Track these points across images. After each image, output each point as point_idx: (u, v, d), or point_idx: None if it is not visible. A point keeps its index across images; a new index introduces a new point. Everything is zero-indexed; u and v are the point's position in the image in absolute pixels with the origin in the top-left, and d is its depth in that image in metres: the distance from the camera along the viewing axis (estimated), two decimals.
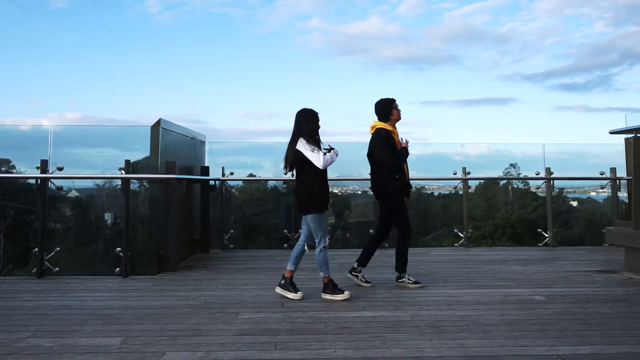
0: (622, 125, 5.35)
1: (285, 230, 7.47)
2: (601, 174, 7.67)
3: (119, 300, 4.22)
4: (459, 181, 7.57)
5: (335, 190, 8.73)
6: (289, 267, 4.23)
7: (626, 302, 4.04)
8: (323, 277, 4.22)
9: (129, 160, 5.37)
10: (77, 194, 7.95)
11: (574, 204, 10.32)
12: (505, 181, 9.74)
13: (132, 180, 5.44)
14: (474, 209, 10.38)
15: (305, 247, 4.26)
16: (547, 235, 7.45)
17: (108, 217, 6.58)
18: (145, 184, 5.82)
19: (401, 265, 4.69)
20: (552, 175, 7.55)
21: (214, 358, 2.81)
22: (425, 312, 3.76)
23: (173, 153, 5.88)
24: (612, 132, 5.32)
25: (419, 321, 3.51)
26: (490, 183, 9.91)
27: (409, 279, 4.65)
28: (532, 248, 7.42)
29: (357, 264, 4.78)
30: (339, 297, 4.10)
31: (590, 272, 5.30)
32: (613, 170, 7.62)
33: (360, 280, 4.70)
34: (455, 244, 7.48)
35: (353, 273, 4.76)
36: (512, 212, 10.26)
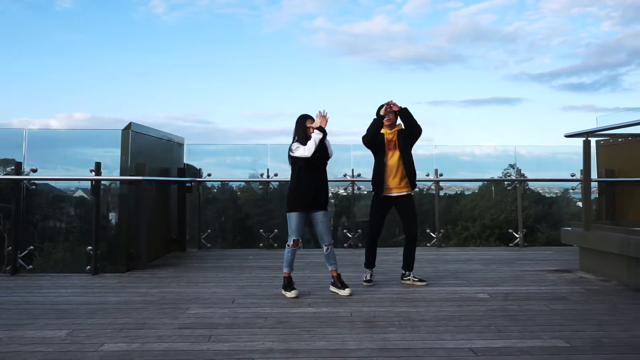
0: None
1: (261, 230, 7.65)
2: (572, 176, 7.80)
3: (80, 296, 4.42)
4: (431, 182, 7.74)
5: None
6: (330, 267, 4.46)
7: (564, 300, 4.19)
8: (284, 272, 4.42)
9: (100, 163, 5.57)
10: (82, 194, 8.17)
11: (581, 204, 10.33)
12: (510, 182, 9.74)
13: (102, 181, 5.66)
14: (476, 209, 10.49)
15: (323, 246, 4.42)
16: (517, 236, 7.60)
17: (112, 216, 6.73)
18: (106, 184, 5.99)
19: (365, 261, 4.91)
20: (523, 177, 7.71)
21: (147, 349, 3.00)
22: (367, 308, 3.93)
23: (146, 155, 6.08)
24: (567, 136, 5.47)
25: (356, 317, 3.68)
26: (495, 184, 9.97)
27: (365, 277, 4.84)
28: (501, 248, 7.58)
29: (403, 270, 4.90)
30: (288, 294, 4.29)
31: (545, 272, 5.45)
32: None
33: (413, 281, 4.82)
34: (428, 244, 7.64)
35: (404, 279, 4.88)
36: (500, 213, 10.38)
